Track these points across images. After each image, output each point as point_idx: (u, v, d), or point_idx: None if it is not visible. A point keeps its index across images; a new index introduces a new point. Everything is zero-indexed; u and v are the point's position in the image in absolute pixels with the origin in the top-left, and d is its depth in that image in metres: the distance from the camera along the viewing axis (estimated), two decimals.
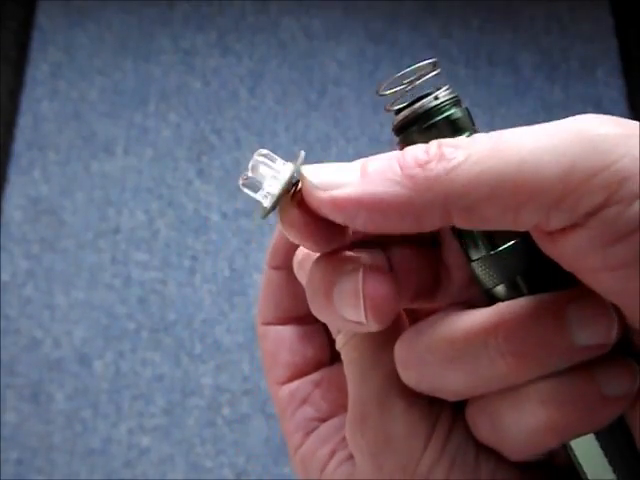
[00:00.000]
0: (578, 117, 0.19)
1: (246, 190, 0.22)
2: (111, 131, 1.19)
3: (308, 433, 0.26)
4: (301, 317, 0.28)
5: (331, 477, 0.25)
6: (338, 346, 0.25)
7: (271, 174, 0.22)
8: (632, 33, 1.32)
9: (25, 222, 1.12)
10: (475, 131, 0.23)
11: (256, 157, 0.22)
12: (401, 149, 0.22)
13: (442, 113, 0.22)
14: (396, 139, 0.24)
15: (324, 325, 0.27)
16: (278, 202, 0.22)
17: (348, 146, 1.21)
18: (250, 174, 0.22)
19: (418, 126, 0.23)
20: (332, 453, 0.25)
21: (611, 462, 0.21)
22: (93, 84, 1.22)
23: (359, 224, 0.20)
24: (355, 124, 1.24)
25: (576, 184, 0.18)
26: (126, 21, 1.28)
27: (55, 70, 1.23)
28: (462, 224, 0.20)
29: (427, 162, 0.20)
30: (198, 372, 1.05)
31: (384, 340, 0.23)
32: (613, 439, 0.21)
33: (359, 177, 0.20)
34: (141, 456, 1.00)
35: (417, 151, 0.20)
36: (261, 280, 0.29)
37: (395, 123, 0.23)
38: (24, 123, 1.18)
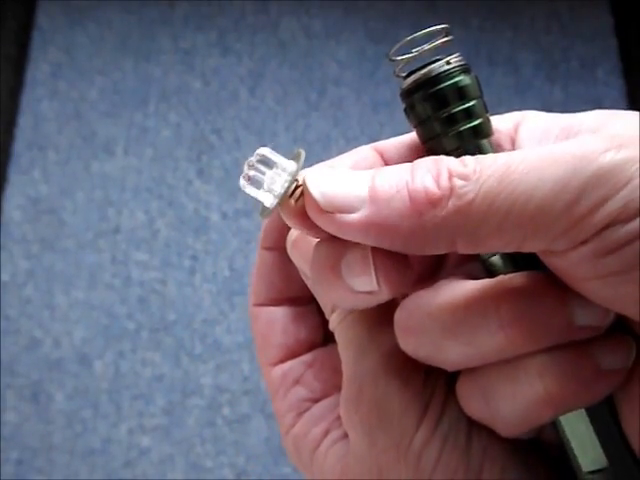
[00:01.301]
0: (584, 139, 0.20)
1: (247, 189, 0.22)
2: (111, 131, 1.19)
3: (300, 414, 0.26)
4: (294, 298, 0.28)
5: (324, 456, 0.25)
6: (332, 326, 0.25)
7: (272, 173, 0.22)
8: (632, 33, 1.32)
9: (25, 222, 1.12)
10: (482, 99, 0.23)
11: (257, 155, 0.22)
12: (407, 116, 0.22)
13: (451, 79, 0.23)
14: (403, 105, 0.24)
15: (317, 306, 0.27)
16: (280, 201, 0.22)
17: (348, 146, 1.21)
18: (251, 173, 0.22)
19: (424, 91, 0.23)
20: (325, 432, 0.25)
21: (599, 438, 0.21)
22: (93, 84, 1.22)
23: (361, 242, 0.21)
24: (355, 124, 1.24)
25: (580, 217, 0.19)
26: (126, 21, 1.28)
27: (55, 70, 1.23)
28: (466, 252, 0.20)
29: (438, 200, 0.20)
30: (198, 372, 1.05)
31: (379, 319, 0.23)
32: (602, 415, 0.21)
33: (367, 202, 0.20)
34: (141, 456, 1.00)
35: (427, 180, 0.20)
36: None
37: (403, 87, 0.23)
38: (24, 123, 1.18)
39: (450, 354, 0.21)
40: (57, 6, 1.27)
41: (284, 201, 0.22)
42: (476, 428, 0.22)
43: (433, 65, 0.23)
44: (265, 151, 0.22)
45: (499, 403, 0.21)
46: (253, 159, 0.22)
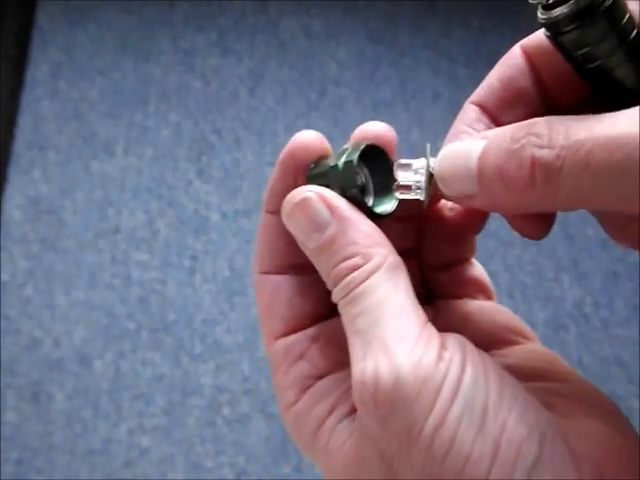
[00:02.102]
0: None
1: (402, 196, 0.26)
2: (111, 131, 1.19)
3: (304, 390, 0.26)
4: (299, 265, 0.27)
5: (329, 434, 0.24)
6: (335, 298, 0.24)
7: (412, 174, 0.26)
8: None
9: (25, 222, 1.12)
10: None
11: (397, 167, 0.26)
12: (566, 45, 0.23)
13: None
14: (561, 34, 0.24)
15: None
16: (428, 194, 0.25)
17: None
18: (400, 182, 0.26)
19: (597, 11, 0.22)
20: (330, 410, 0.25)
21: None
22: (93, 84, 1.22)
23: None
24: (355, 124, 1.24)
25: None
26: (126, 21, 1.28)
27: (55, 70, 1.23)
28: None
29: (532, 183, 0.22)
30: (198, 372, 1.05)
31: (384, 297, 0.23)
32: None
33: (479, 187, 0.23)
34: (141, 456, 1.00)
35: (523, 170, 0.22)
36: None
37: (567, 13, 0.23)
38: (24, 123, 1.18)
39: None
40: (57, 6, 1.27)
41: (432, 191, 0.25)
42: (491, 406, 0.22)
43: None
44: (399, 162, 0.26)
45: None
46: (397, 172, 0.26)
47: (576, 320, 1.15)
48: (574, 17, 0.23)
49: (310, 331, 0.27)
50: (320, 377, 0.26)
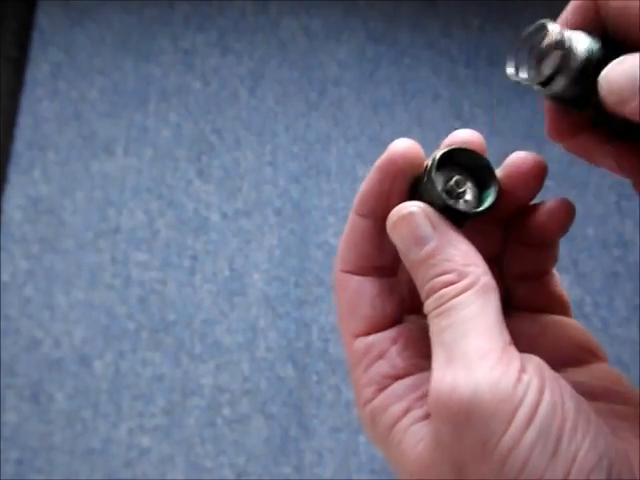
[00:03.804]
0: None
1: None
2: (111, 131, 1.19)
3: (381, 389, 0.27)
4: (383, 268, 0.28)
5: (403, 433, 0.25)
6: (426, 310, 0.25)
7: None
8: None
9: (25, 222, 1.12)
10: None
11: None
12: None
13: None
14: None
15: (403, 280, 0.28)
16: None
17: (348, 146, 1.21)
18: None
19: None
20: (405, 411, 0.26)
21: None
22: (93, 84, 1.22)
23: None
24: (355, 124, 1.24)
25: None
26: (126, 21, 1.28)
27: (55, 70, 1.23)
28: None
29: None
30: (198, 372, 1.05)
31: (473, 314, 0.24)
32: None
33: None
34: (141, 456, 1.00)
35: None
36: (346, 226, 0.28)
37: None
38: (24, 123, 1.18)
39: None
40: (57, 6, 1.27)
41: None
42: (566, 433, 0.22)
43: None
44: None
45: None
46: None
47: (576, 320, 1.15)
48: (576, 81, 0.24)
49: (389, 333, 0.28)
50: (397, 378, 0.27)
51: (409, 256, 0.26)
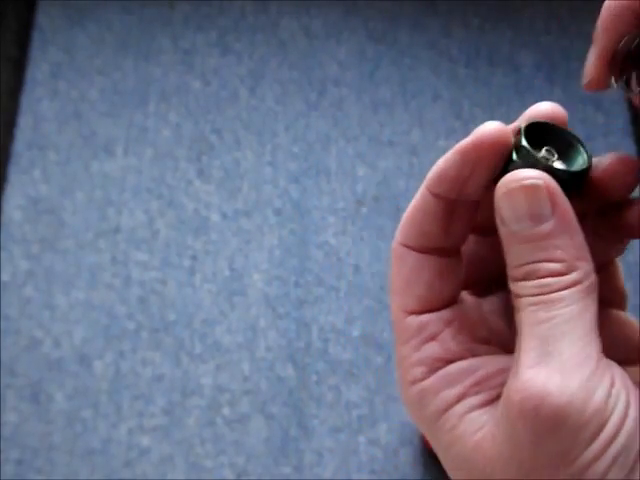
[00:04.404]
0: None
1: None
2: (111, 131, 1.19)
3: (433, 370, 0.26)
4: (444, 249, 0.27)
5: (458, 419, 0.25)
6: (519, 291, 0.24)
7: None
8: None
9: (25, 222, 1.12)
10: None
11: None
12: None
13: None
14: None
15: (462, 260, 0.27)
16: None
17: (348, 146, 1.21)
18: None
19: None
20: (460, 397, 0.25)
21: None
22: (93, 84, 1.22)
23: None
24: (355, 124, 1.24)
25: None
26: (126, 21, 1.28)
27: (55, 70, 1.23)
28: None
29: None
30: (198, 372, 1.06)
31: (576, 315, 0.23)
32: None
33: None
34: (141, 456, 1.00)
35: None
36: (413, 200, 0.27)
37: None
38: (24, 123, 1.18)
39: None
40: (57, 6, 1.27)
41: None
42: None
43: None
44: None
45: None
46: None
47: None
48: None
49: (444, 314, 0.27)
50: (449, 361, 0.26)
51: (514, 228, 0.24)
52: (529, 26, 1.37)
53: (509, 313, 0.26)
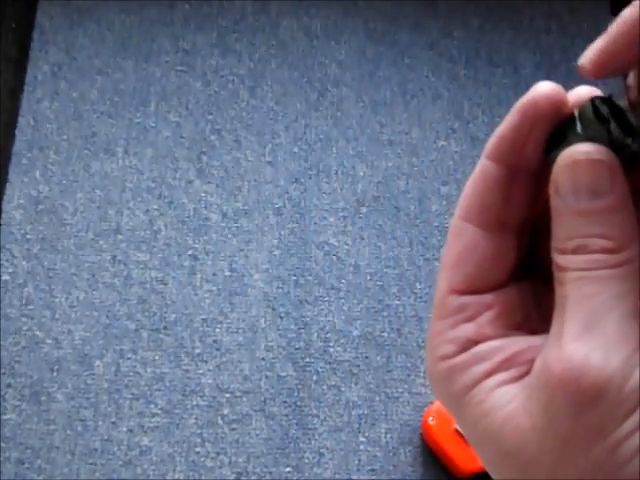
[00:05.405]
0: None
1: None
2: (111, 131, 1.19)
3: (464, 349, 0.26)
4: (506, 224, 0.26)
5: (486, 394, 0.25)
6: (566, 264, 0.24)
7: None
8: None
9: (25, 222, 1.12)
10: None
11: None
12: None
13: None
14: None
15: (521, 241, 0.27)
16: None
17: (348, 146, 1.21)
18: None
19: None
20: (490, 372, 0.25)
21: None
22: (93, 84, 1.23)
23: None
24: (355, 124, 1.24)
25: None
26: (126, 21, 1.28)
27: (55, 70, 1.23)
28: None
29: None
30: (198, 372, 1.06)
31: (623, 293, 0.23)
32: None
33: None
34: (141, 456, 1.00)
35: None
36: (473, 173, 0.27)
37: None
38: (24, 123, 1.18)
39: None
40: (57, 6, 1.27)
41: None
42: None
43: None
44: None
45: None
46: None
47: None
48: None
49: (487, 297, 0.26)
50: (480, 342, 0.26)
51: (570, 200, 0.24)
52: (529, 26, 1.37)
53: (537, 298, 0.27)
